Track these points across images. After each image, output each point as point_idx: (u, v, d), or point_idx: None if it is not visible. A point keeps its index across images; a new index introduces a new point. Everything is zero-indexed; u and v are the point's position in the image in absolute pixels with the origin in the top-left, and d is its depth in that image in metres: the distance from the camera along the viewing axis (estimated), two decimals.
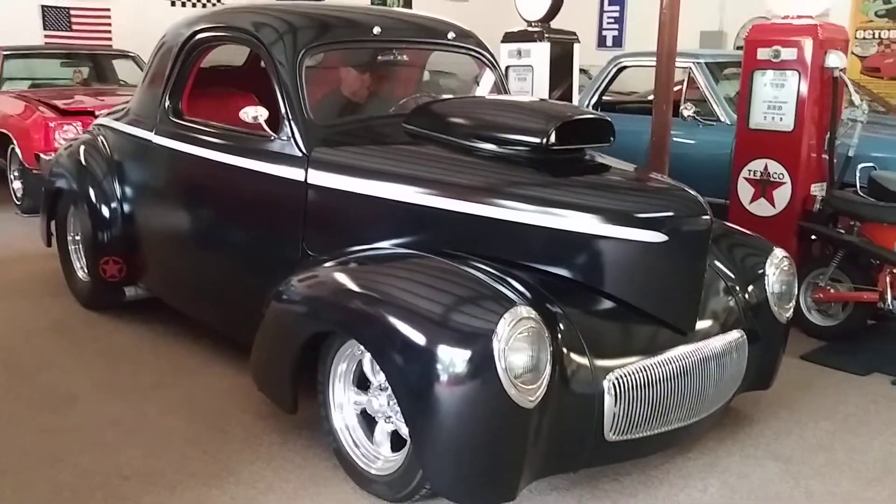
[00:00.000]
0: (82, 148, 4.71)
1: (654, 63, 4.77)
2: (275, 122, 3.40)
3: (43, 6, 10.77)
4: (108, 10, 11.12)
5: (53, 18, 10.87)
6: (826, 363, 4.12)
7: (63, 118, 7.19)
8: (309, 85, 3.41)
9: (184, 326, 4.28)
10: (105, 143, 4.64)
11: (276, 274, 3.12)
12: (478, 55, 4.09)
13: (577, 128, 3.12)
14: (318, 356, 2.95)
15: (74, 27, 11.00)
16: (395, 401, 2.64)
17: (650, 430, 2.71)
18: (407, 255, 2.98)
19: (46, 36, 10.76)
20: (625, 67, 6.54)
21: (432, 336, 2.44)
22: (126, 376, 3.81)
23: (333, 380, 2.94)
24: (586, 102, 6.51)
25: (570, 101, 5.53)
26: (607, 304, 2.83)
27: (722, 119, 5.72)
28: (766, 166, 4.75)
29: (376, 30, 3.68)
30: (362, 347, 2.76)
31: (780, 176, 4.70)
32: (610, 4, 13.80)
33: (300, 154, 3.32)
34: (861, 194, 4.44)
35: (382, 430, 2.85)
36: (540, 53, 5.40)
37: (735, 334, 3.02)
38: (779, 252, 3.33)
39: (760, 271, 3.26)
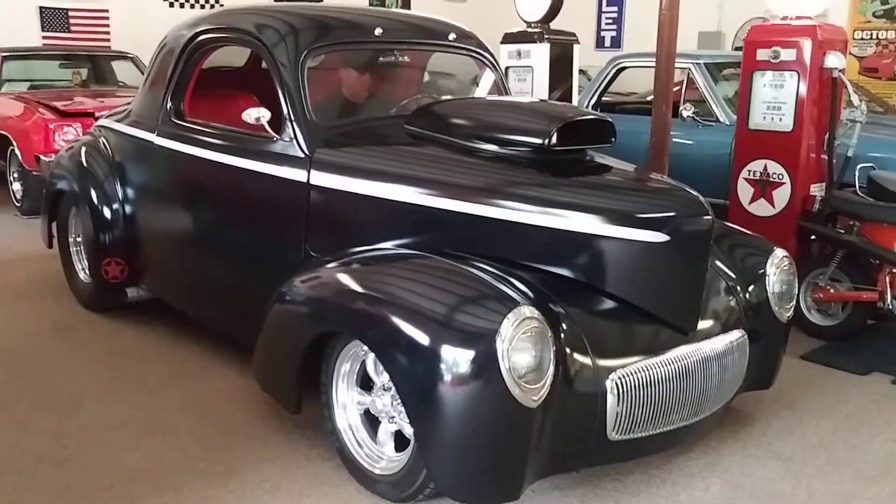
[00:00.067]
0: (84, 149, 4.71)
1: (653, 64, 4.78)
2: (276, 123, 3.41)
3: (41, 7, 10.76)
4: (107, 11, 11.11)
5: (51, 20, 10.85)
6: (826, 363, 4.14)
7: (63, 120, 7.19)
8: (311, 86, 3.42)
9: (186, 327, 4.28)
10: (107, 144, 4.64)
11: (278, 275, 3.13)
12: (478, 56, 4.11)
13: (578, 128, 3.13)
14: (321, 357, 2.97)
15: (72, 28, 10.98)
16: (399, 401, 2.65)
17: (652, 429, 2.72)
18: (410, 255, 2.99)
19: (44, 37, 10.74)
20: (624, 68, 6.56)
21: (436, 336, 2.45)
22: (130, 377, 3.82)
23: (337, 380, 2.95)
24: (586, 103, 6.53)
25: (570, 102, 5.55)
26: (609, 304, 2.84)
27: (721, 119, 5.74)
28: (765, 167, 4.77)
29: (378, 31, 3.70)
30: (366, 348, 2.77)
31: (780, 176, 4.72)
32: (608, 5, 13.83)
33: (302, 155, 3.33)
34: (860, 194, 4.46)
35: (386, 430, 2.86)
36: (540, 54, 5.41)
37: (736, 334, 3.03)
38: (779, 252, 3.35)
39: (761, 271, 3.27)
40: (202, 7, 11.91)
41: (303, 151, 3.33)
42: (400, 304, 2.60)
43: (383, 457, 2.86)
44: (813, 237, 4.69)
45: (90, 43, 10.76)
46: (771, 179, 4.75)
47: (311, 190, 3.31)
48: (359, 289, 2.81)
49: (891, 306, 4.17)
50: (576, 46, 5.58)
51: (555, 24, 5.50)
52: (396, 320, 2.55)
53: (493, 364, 2.37)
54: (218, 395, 3.61)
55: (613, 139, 3.23)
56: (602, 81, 6.63)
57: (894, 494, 2.94)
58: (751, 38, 4.87)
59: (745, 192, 4.87)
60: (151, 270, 4.39)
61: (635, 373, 2.64)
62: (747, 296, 3.22)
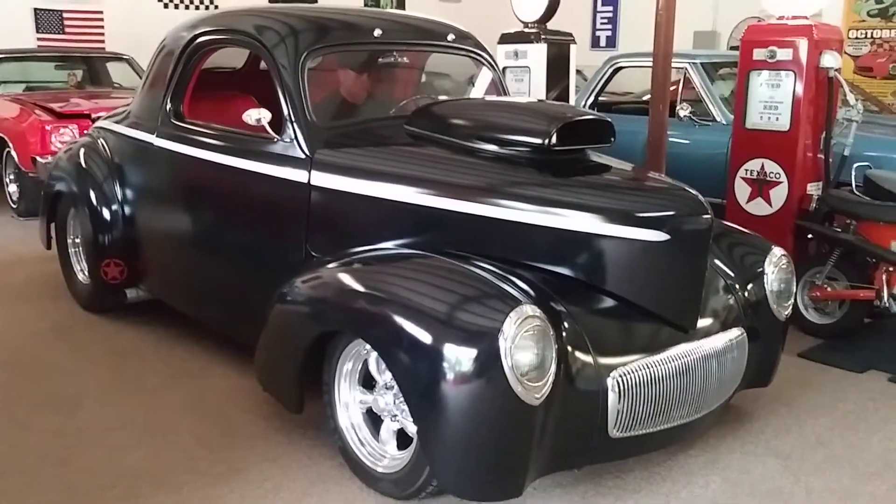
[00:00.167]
0: (83, 150, 4.72)
1: (649, 64, 4.79)
2: (276, 124, 3.41)
3: (35, 9, 10.74)
4: (101, 12, 11.07)
5: (46, 21, 10.82)
6: (824, 361, 4.16)
7: (59, 121, 7.20)
8: (311, 87, 3.43)
9: (185, 328, 4.29)
10: (105, 145, 4.65)
11: (279, 275, 3.14)
12: (477, 57, 4.13)
13: (577, 128, 3.14)
14: (322, 356, 2.98)
15: (67, 30, 10.95)
16: (402, 399, 2.67)
17: (653, 426, 2.74)
18: (412, 255, 3.00)
19: (39, 39, 10.71)
20: (620, 68, 6.58)
21: (439, 335, 2.47)
22: (129, 378, 3.83)
23: (339, 379, 2.96)
24: (583, 103, 6.55)
25: (567, 102, 5.56)
26: (610, 302, 2.85)
27: (717, 119, 5.77)
28: (762, 166, 4.79)
29: (377, 32, 3.71)
30: (368, 347, 2.78)
31: (777, 175, 4.74)
32: (603, 5, 13.86)
33: (303, 156, 3.34)
34: (857, 193, 4.49)
35: (388, 429, 2.87)
36: (537, 55, 5.43)
37: (735, 332, 3.06)
38: (777, 251, 3.37)
39: (759, 270, 3.29)
40: (197, 8, 11.90)
41: (303, 152, 3.34)
42: (402, 303, 2.61)
43: (386, 455, 2.88)
44: (810, 236, 4.71)
45: (85, 44, 10.73)
46: (768, 178, 4.77)
47: (312, 190, 3.32)
48: (361, 288, 2.82)
49: (887, 304, 4.19)
50: (573, 46, 5.60)
51: (550, 25, 5.52)
52: (399, 319, 2.57)
53: (495, 362, 2.38)
54: (218, 396, 3.62)
55: (613, 139, 3.25)
56: (599, 81, 6.65)
57: (892, 491, 2.96)
58: (747, 38, 4.89)
59: (742, 191, 4.89)
60: (151, 271, 4.40)
61: (636, 370, 2.66)
62: (746, 294, 3.24)
